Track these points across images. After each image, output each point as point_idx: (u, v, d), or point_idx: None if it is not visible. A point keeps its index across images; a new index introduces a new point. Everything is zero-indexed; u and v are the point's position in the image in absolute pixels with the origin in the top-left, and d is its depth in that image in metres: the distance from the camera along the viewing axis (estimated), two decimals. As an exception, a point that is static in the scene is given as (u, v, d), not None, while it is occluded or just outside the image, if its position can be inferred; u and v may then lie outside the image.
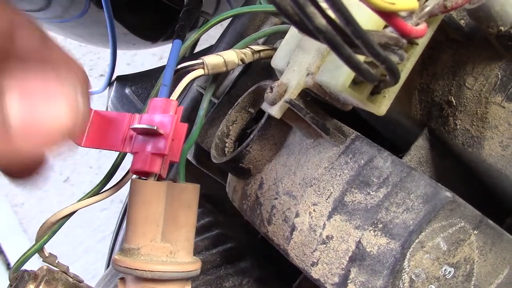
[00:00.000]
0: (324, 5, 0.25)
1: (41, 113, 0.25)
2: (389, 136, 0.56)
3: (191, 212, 0.40)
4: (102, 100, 0.84)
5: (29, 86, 0.25)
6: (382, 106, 0.35)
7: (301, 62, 0.39)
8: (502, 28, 0.37)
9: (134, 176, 0.42)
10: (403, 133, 0.49)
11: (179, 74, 0.45)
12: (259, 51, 0.47)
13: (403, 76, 0.35)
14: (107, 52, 0.69)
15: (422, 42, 0.35)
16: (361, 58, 0.32)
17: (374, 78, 0.30)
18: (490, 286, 0.38)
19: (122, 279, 0.40)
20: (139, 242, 0.38)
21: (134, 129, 0.40)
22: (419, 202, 0.36)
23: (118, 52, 0.67)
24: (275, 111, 0.38)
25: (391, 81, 0.32)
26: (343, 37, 0.27)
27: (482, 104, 0.40)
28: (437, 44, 0.43)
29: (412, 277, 0.36)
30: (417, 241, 0.36)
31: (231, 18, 0.56)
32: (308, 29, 0.25)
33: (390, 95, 0.35)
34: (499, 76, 0.40)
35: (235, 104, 0.47)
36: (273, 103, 0.39)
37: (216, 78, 0.47)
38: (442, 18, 0.39)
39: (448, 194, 0.36)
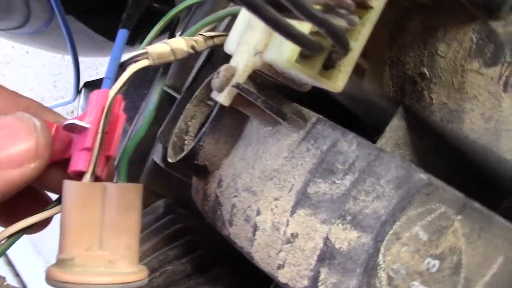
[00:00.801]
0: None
1: (6, 146, 0.32)
2: (370, 120, 0.52)
3: (132, 215, 0.35)
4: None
5: None
6: (338, 81, 0.31)
7: (250, 41, 0.35)
8: (471, -16, 0.32)
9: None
10: (380, 114, 0.45)
11: (124, 67, 0.41)
12: (212, 37, 0.43)
13: (359, 44, 0.31)
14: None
15: (378, 6, 0.31)
16: (307, 27, 0.28)
17: (314, 45, 0.26)
18: (483, 278, 0.34)
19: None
20: (72, 251, 0.34)
21: (65, 126, 0.36)
22: (391, 187, 0.32)
23: (99, 59, 0.64)
24: (223, 98, 0.34)
25: (340, 50, 0.28)
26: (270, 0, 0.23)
27: (458, 73, 0.36)
28: (405, 12, 0.38)
29: (390, 274, 0.32)
30: (391, 232, 0.31)
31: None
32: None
33: (346, 68, 0.31)
34: (474, 40, 0.35)
35: (192, 98, 0.43)
36: (220, 89, 0.34)
37: (167, 68, 0.43)
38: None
39: (423, 176, 0.31)
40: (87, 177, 0.35)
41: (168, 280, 0.44)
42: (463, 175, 0.42)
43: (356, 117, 0.53)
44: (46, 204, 0.40)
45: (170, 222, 0.51)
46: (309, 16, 0.24)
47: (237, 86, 0.33)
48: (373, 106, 0.45)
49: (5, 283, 0.41)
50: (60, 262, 0.34)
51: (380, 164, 0.32)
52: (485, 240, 0.33)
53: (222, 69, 0.35)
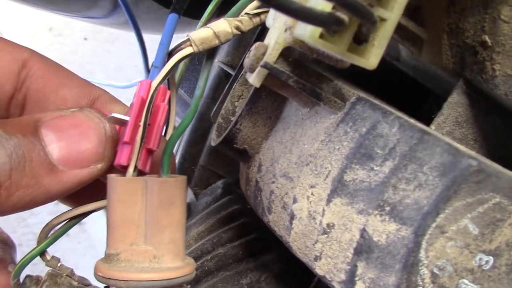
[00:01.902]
0: None
1: (77, 146, 0.33)
2: (442, 94, 0.47)
3: (175, 209, 0.34)
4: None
5: (64, 127, 0.33)
6: (371, 57, 0.28)
7: (281, 16, 0.32)
8: None
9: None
10: (445, 88, 0.40)
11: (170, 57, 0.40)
12: (258, 14, 0.41)
13: (396, 14, 0.27)
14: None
15: (417, -32, 0.27)
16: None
17: (325, 19, 0.23)
18: (550, 276, 0.29)
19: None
20: (118, 246, 0.34)
21: (111, 118, 0.36)
22: (435, 175, 0.28)
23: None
24: (253, 78, 0.32)
25: (366, 23, 0.25)
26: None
27: (524, 40, 0.31)
28: (464, -28, 0.34)
29: (435, 270, 0.28)
30: (434, 225, 0.28)
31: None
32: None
33: (380, 42, 0.27)
34: (543, 0, 0.30)
35: (239, 76, 0.41)
36: (251, 70, 0.32)
37: (212, 53, 0.41)
38: None
39: (472, 162, 0.27)
40: (129, 171, 0.35)
41: (219, 264, 0.43)
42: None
43: (424, 88, 0.48)
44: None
45: (227, 203, 0.50)
46: (313, -12, 0.21)
47: (265, 66, 0.31)
48: (437, 79, 0.41)
49: (59, 264, 0.42)
50: (107, 257, 0.35)
51: (424, 149, 0.29)
52: (552, 234, 0.29)
53: (253, 47, 0.32)
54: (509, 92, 0.32)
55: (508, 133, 0.36)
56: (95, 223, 1.61)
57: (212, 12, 0.44)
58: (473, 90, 0.35)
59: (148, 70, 0.71)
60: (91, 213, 0.39)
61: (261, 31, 0.47)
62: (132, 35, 0.66)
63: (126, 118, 0.34)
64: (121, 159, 0.33)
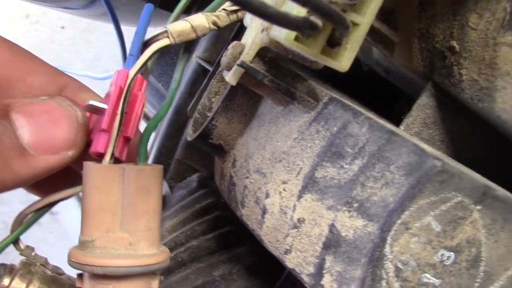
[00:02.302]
0: None
1: (48, 132, 0.33)
2: (412, 94, 0.49)
3: (152, 197, 0.35)
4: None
5: (35, 112, 0.33)
6: (343, 60, 0.29)
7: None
8: None
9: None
10: (415, 89, 0.42)
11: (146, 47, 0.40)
12: (235, 11, 0.41)
13: (368, 19, 0.28)
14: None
15: (389, -24, 0.28)
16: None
17: (299, 23, 0.24)
18: (507, 272, 0.31)
19: (81, 275, 0.36)
20: (93, 233, 0.35)
21: (87, 106, 0.36)
22: (401, 174, 0.29)
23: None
24: (230, 76, 0.33)
25: (339, 28, 0.26)
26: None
27: (489, 46, 0.32)
28: (436, -21, 0.35)
29: (398, 265, 0.30)
30: (399, 222, 0.29)
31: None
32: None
33: (353, 45, 0.29)
34: (508, 10, 0.31)
35: (216, 73, 0.42)
36: (228, 68, 0.33)
37: (189, 46, 0.42)
38: None
39: (437, 162, 0.29)
40: (106, 159, 0.35)
41: (192, 256, 0.44)
42: (503, 157, 0.39)
43: (396, 89, 0.50)
44: (77, 178, 0.42)
45: (202, 197, 0.51)
46: (289, -6, 0.22)
47: (241, 65, 0.31)
48: (408, 80, 0.42)
49: (33, 254, 0.42)
50: (82, 244, 0.35)
51: (391, 149, 0.30)
52: (509, 231, 0.30)
53: (230, 46, 0.33)
54: (474, 96, 0.34)
55: (474, 135, 0.38)
56: (68, 212, 1.60)
57: (184, 6, 0.44)
58: (441, 93, 0.36)
59: (125, 61, 0.71)
60: (63, 200, 0.40)
61: (239, 29, 0.48)
62: (110, 26, 0.66)
63: (104, 106, 0.34)
64: (98, 147, 0.34)
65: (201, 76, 0.55)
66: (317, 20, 0.25)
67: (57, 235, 1.68)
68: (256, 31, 0.32)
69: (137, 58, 0.39)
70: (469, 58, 0.33)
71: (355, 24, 0.28)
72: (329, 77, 0.39)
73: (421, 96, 0.37)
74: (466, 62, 0.34)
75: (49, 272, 0.42)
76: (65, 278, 0.42)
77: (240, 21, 0.43)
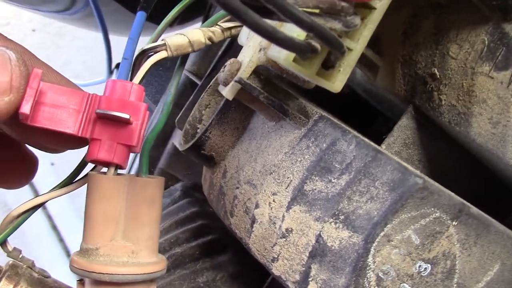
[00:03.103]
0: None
1: None
2: (388, 115, 0.52)
3: (155, 208, 0.36)
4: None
5: None
6: (336, 81, 0.31)
7: (256, 37, 0.35)
8: (483, -15, 0.32)
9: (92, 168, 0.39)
10: (394, 112, 0.44)
11: (142, 59, 0.42)
12: (229, 28, 0.43)
13: (360, 45, 0.31)
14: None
15: (381, 6, 0.30)
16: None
17: (301, 48, 0.26)
18: (477, 284, 0.33)
19: (81, 281, 0.37)
20: (97, 241, 0.36)
21: (100, 114, 0.36)
22: (385, 190, 0.32)
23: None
24: (227, 91, 0.35)
25: (335, 52, 0.28)
26: (255, 2, 0.23)
27: (468, 75, 0.35)
28: (419, 10, 0.38)
29: (380, 274, 0.32)
30: (382, 234, 0.31)
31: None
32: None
33: (345, 68, 0.31)
34: (486, 42, 0.34)
35: (207, 87, 0.44)
36: (225, 83, 0.35)
37: (185, 59, 0.44)
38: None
39: (418, 180, 0.31)
40: (112, 170, 0.36)
41: (176, 263, 0.45)
42: (476, 178, 0.42)
43: (376, 110, 0.52)
44: (28, 158, 0.41)
45: (185, 206, 0.52)
46: (296, 20, 0.24)
47: (239, 81, 0.33)
48: (387, 103, 0.45)
49: (20, 256, 0.43)
50: (85, 251, 0.36)
51: (377, 166, 0.32)
52: (481, 246, 0.33)
53: (228, 63, 0.35)
54: (452, 120, 0.36)
55: (450, 157, 0.40)
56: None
57: (170, 21, 0.46)
58: (421, 116, 0.39)
59: (111, 71, 0.72)
60: (50, 200, 0.41)
61: (228, 45, 0.50)
62: (81, 31, 0.67)
63: (126, 116, 0.35)
64: (121, 159, 0.35)
65: (188, 88, 0.57)
66: (317, 44, 0.27)
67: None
68: (253, 50, 0.34)
69: (131, 62, 0.40)
70: (449, 85, 0.36)
71: (348, 49, 0.30)
72: (313, 96, 0.41)
73: (402, 118, 0.39)
74: (445, 89, 0.36)
75: (35, 275, 0.42)
76: (50, 281, 0.43)
77: (232, 37, 0.45)
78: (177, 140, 0.56)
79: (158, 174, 0.59)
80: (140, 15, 0.42)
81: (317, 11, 0.27)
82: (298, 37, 0.28)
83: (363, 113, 0.54)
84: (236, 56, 0.48)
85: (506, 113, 0.34)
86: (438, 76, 0.36)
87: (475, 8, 0.34)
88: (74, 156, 0.43)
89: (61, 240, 1.84)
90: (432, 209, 0.32)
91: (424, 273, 0.32)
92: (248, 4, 0.23)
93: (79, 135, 0.37)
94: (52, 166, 1.86)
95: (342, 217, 0.32)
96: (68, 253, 1.83)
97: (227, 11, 0.22)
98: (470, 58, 0.35)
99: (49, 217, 1.88)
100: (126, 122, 0.35)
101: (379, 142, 0.40)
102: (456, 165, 0.41)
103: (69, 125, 0.37)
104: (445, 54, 0.36)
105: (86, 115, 0.37)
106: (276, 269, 0.34)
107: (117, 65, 0.72)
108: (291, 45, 0.25)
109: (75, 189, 0.43)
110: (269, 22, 0.26)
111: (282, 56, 0.30)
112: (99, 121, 0.37)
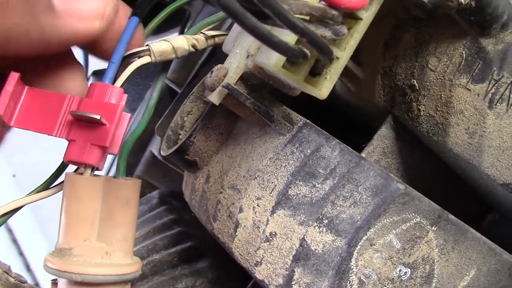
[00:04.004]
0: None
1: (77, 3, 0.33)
2: (364, 126, 0.53)
3: (130, 209, 0.36)
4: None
5: None
6: (323, 88, 0.32)
7: (243, 44, 0.36)
8: (462, 1, 0.33)
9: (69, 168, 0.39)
10: (372, 122, 0.45)
11: (126, 63, 0.42)
12: (213, 36, 0.44)
13: (347, 54, 0.32)
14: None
15: (367, 17, 0.31)
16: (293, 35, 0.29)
17: (295, 53, 0.26)
18: (454, 289, 0.34)
19: (54, 281, 0.37)
20: (71, 241, 0.35)
21: (74, 115, 0.37)
22: (368, 195, 0.33)
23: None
24: (214, 97, 0.35)
25: (324, 59, 0.29)
26: (252, 6, 0.24)
27: (446, 87, 0.36)
28: (400, 23, 0.39)
29: (362, 278, 0.33)
30: (365, 238, 0.32)
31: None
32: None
33: (332, 76, 0.32)
34: (464, 56, 0.36)
35: (190, 94, 0.44)
36: (212, 89, 0.35)
37: (167, 65, 0.44)
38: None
39: (400, 186, 0.32)
40: (88, 171, 0.36)
41: (154, 269, 0.45)
42: (451, 187, 0.43)
43: (353, 121, 0.53)
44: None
45: (163, 213, 0.52)
46: (290, 25, 0.25)
47: (227, 86, 0.34)
48: (366, 113, 0.46)
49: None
50: (59, 251, 0.36)
51: (360, 172, 0.33)
52: (458, 252, 0.34)
53: (215, 69, 0.36)
54: (430, 130, 0.37)
55: (427, 166, 0.42)
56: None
57: (157, 23, 0.46)
58: (399, 126, 0.40)
59: (87, 78, 0.72)
60: (29, 203, 0.40)
61: (210, 54, 0.51)
62: None
63: (96, 116, 0.35)
64: (92, 160, 0.35)
65: (167, 95, 0.57)
66: (307, 50, 0.28)
67: None
68: (241, 57, 0.35)
69: (118, 66, 0.40)
70: (428, 96, 0.37)
71: (336, 57, 0.31)
72: (294, 105, 0.42)
73: (382, 128, 0.40)
74: (424, 100, 0.38)
75: (12, 280, 0.42)
76: (27, 286, 0.42)
77: (216, 46, 0.45)
78: (155, 147, 0.56)
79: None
80: (133, 20, 0.42)
81: (307, 18, 0.28)
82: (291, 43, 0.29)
83: (340, 123, 0.55)
84: (217, 64, 0.49)
85: (482, 124, 0.35)
86: (417, 88, 0.38)
87: (453, 23, 0.36)
88: (36, 168, 0.42)
89: (21, 254, 1.80)
90: (413, 214, 0.33)
91: (404, 277, 0.33)
92: (246, 8, 0.23)
93: (57, 136, 0.38)
94: (14, 178, 1.83)
95: (325, 221, 0.33)
96: (28, 267, 1.79)
97: (227, 13, 0.23)
98: (448, 70, 0.36)
99: (9, 230, 1.83)
100: (99, 123, 0.36)
101: (357, 151, 0.41)
102: (432, 174, 0.42)
103: (47, 127, 0.37)
104: (425, 66, 0.37)
105: (64, 117, 0.37)
106: (259, 273, 0.35)
107: (94, 72, 0.72)
108: (285, 49, 0.26)
109: (57, 192, 0.42)
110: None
111: (272, 62, 0.30)
112: (76, 123, 0.37)
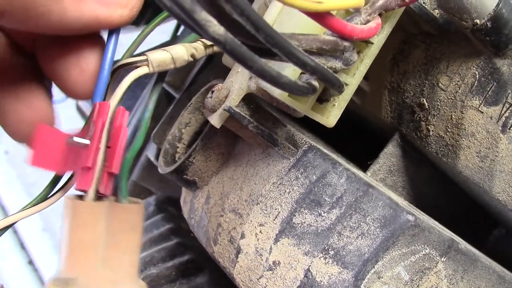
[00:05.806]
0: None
1: None
2: (369, 138, 0.51)
3: (135, 235, 0.35)
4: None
5: None
6: (330, 116, 0.30)
7: (246, 63, 0.34)
8: (477, 21, 0.31)
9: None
10: (378, 137, 0.44)
11: (120, 72, 0.40)
12: (212, 45, 0.42)
13: (356, 80, 0.30)
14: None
15: (379, 41, 0.30)
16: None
17: (303, 90, 0.25)
18: (462, 318, 0.34)
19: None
20: (75, 271, 0.34)
21: (67, 144, 0.35)
22: (376, 226, 0.31)
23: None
24: (214, 119, 0.33)
25: (333, 91, 0.27)
26: (258, 44, 0.22)
27: (457, 108, 0.35)
28: (410, 38, 0.37)
29: (369, 311, 0.31)
30: (372, 271, 0.31)
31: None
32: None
33: (340, 103, 0.30)
34: (477, 76, 0.34)
35: (188, 105, 0.42)
36: (212, 110, 0.34)
37: (162, 76, 0.42)
38: (412, 9, 0.34)
39: (410, 217, 0.31)
40: (90, 196, 0.35)
41: (152, 284, 0.44)
42: (457, 204, 0.42)
43: (356, 132, 0.52)
44: None
45: (160, 222, 0.51)
46: (300, 63, 0.23)
47: (228, 110, 0.32)
48: (371, 128, 0.44)
49: None
50: (63, 281, 0.34)
51: (368, 201, 0.32)
52: (467, 281, 0.33)
53: (216, 89, 0.34)
54: (439, 151, 0.36)
55: (433, 184, 0.40)
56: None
57: (147, 33, 0.44)
58: (406, 144, 0.39)
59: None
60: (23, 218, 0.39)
61: (207, 60, 0.49)
62: None
63: (86, 141, 0.34)
64: (82, 184, 0.33)
65: (163, 99, 0.55)
66: (316, 83, 0.27)
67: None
68: (243, 78, 0.33)
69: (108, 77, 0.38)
70: (437, 116, 0.36)
71: (345, 84, 0.30)
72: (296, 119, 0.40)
73: (388, 145, 0.39)
74: (434, 119, 0.36)
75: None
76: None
77: (215, 54, 0.43)
78: (151, 152, 0.54)
79: (131, 187, 0.57)
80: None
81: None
82: (293, 73, 0.28)
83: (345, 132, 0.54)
84: (214, 70, 0.47)
85: (494, 148, 0.34)
86: (427, 107, 0.36)
87: (466, 41, 0.34)
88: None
89: (23, 248, 1.79)
90: (422, 245, 0.32)
91: (411, 309, 0.32)
92: (251, 46, 0.22)
93: (64, 171, 0.36)
94: (6, 155, 1.81)
95: (332, 252, 0.32)
96: (30, 261, 1.77)
97: (234, 57, 0.21)
98: (460, 91, 0.35)
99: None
100: (82, 145, 0.34)
101: (358, 161, 0.40)
102: (439, 191, 0.41)
103: (56, 163, 0.36)
104: (435, 85, 0.36)
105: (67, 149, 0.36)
106: (262, 302, 0.34)
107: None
108: (295, 88, 0.24)
109: (48, 206, 0.41)
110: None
111: (278, 90, 0.29)
112: (73, 151, 0.35)
